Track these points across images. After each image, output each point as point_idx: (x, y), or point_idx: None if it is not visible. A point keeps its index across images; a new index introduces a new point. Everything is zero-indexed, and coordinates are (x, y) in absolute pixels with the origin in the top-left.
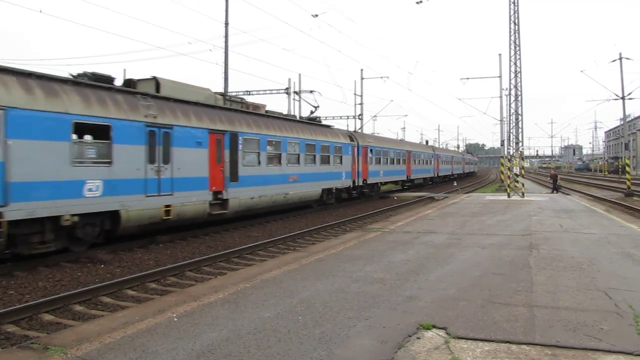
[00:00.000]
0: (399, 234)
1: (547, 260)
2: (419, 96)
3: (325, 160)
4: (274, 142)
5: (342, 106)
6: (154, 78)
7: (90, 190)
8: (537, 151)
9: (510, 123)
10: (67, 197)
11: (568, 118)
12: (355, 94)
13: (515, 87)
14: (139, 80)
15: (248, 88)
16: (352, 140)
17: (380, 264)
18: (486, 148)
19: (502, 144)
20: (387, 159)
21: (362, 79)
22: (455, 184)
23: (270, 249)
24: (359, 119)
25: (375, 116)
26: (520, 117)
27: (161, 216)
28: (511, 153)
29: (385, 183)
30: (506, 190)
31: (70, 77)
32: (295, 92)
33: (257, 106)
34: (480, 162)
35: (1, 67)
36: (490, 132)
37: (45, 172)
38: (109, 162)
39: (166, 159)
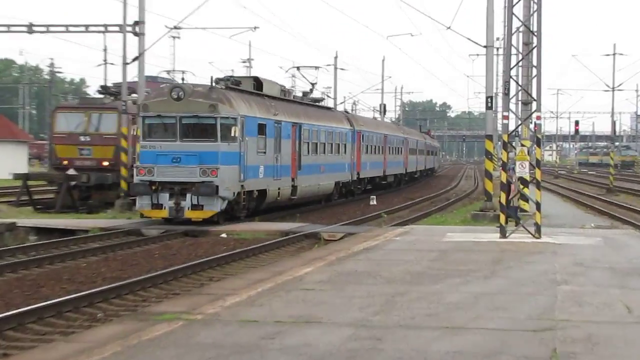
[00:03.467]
0: (230, 327)
1: None
2: None
3: (336, 149)
4: (314, 132)
5: None
6: (257, 78)
7: (260, 172)
8: (575, 125)
9: (509, 57)
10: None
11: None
12: None
13: None
14: (241, 78)
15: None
16: (350, 124)
17: None
18: (452, 114)
19: (489, 103)
20: (372, 147)
21: None
22: (373, 201)
23: None
24: None
25: None
26: (537, 42)
27: (276, 197)
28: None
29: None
30: (499, 218)
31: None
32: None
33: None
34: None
35: (235, 89)
36: (460, 79)
37: (253, 160)
38: (264, 152)
39: (277, 149)
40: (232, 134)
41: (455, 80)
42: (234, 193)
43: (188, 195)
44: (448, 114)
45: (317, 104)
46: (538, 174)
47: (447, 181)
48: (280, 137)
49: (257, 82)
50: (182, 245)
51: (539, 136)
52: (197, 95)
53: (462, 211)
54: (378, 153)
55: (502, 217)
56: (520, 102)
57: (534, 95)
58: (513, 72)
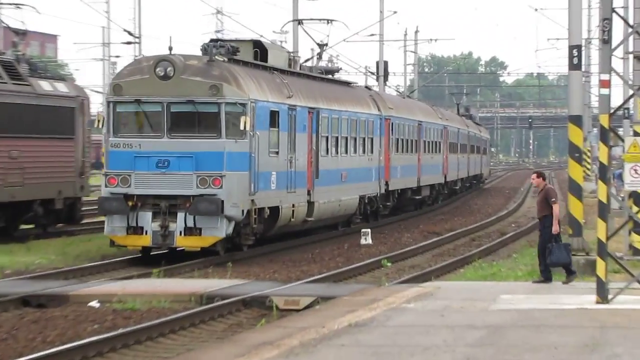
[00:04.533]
0: None
1: None
2: None
3: (361, 147)
4: (335, 120)
5: None
6: (259, 43)
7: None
8: None
9: None
10: None
11: None
12: None
13: None
14: (237, 42)
15: None
16: (377, 107)
17: None
18: (507, 78)
19: (576, 58)
20: (403, 142)
21: None
22: (366, 238)
23: None
24: None
25: None
26: None
27: (290, 218)
28: None
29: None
30: (596, 268)
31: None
32: (297, 22)
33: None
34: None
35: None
36: (521, 17)
37: (265, 164)
38: (277, 153)
39: (291, 148)
40: (242, 127)
41: (511, 21)
42: (243, 211)
43: (180, 215)
44: (501, 79)
45: (332, 77)
46: None
47: (502, 199)
48: (295, 129)
49: (261, 49)
50: (19, 322)
51: None
52: (192, 72)
53: (527, 256)
54: (411, 152)
55: (602, 266)
56: (632, 56)
57: None
58: (618, 3)
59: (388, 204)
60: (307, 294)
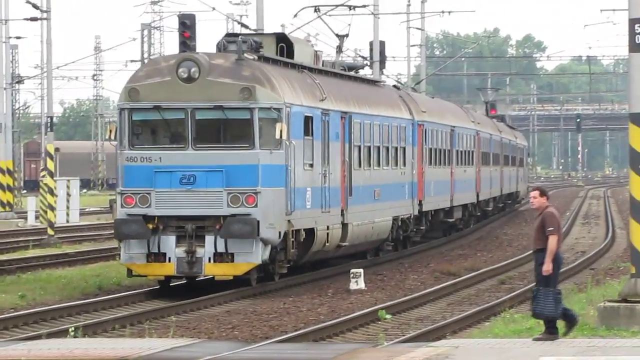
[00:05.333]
0: None
1: None
2: None
3: (394, 158)
4: (367, 126)
5: None
6: (283, 36)
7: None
8: None
9: None
10: None
11: None
12: None
13: None
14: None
15: None
16: (409, 110)
17: None
18: (546, 63)
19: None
20: (437, 152)
21: None
22: (357, 282)
23: None
24: None
25: None
26: None
27: (324, 242)
28: None
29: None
30: None
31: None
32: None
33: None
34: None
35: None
36: None
37: (301, 178)
38: (311, 165)
39: (325, 160)
40: (277, 136)
41: None
42: (279, 234)
43: (209, 239)
44: (539, 65)
45: (360, 75)
46: None
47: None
48: (328, 138)
49: (287, 44)
50: None
51: None
52: (219, 73)
53: (576, 304)
54: (444, 164)
55: None
56: None
57: None
58: None
59: (421, 227)
60: (278, 358)
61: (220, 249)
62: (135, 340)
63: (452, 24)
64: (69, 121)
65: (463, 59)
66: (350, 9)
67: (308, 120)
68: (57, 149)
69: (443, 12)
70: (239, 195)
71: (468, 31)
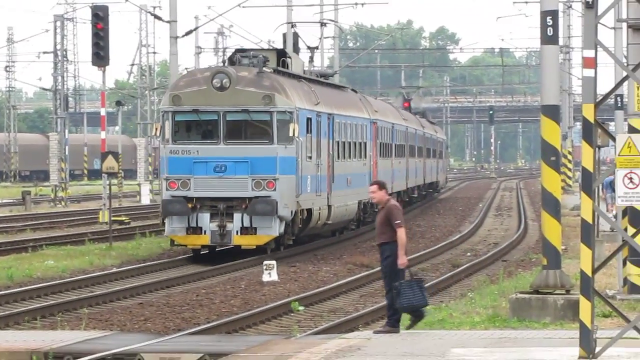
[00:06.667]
0: None
1: None
2: None
3: (359, 152)
4: (344, 126)
5: None
6: (282, 52)
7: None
8: None
9: None
10: None
11: None
12: None
13: None
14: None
15: None
16: (367, 111)
17: None
18: (460, 55)
19: (551, 28)
20: (385, 146)
21: None
22: (269, 274)
23: None
24: None
25: None
26: None
27: (317, 220)
28: None
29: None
30: (578, 310)
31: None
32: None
33: None
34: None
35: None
36: None
37: (305, 168)
38: (310, 157)
39: (318, 153)
40: (290, 134)
41: None
42: (291, 212)
43: (237, 216)
44: (452, 57)
45: (337, 83)
46: None
47: (453, 219)
48: (320, 135)
49: (285, 58)
50: None
51: None
52: (245, 83)
53: (488, 295)
54: (388, 156)
55: (586, 308)
56: (625, 26)
57: None
58: None
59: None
60: (191, 349)
61: (246, 224)
62: (47, 333)
63: (365, 16)
64: None
65: (376, 50)
66: (322, 26)
67: (309, 121)
68: None
69: (356, 4)
70: (261, 181)
71: (382, 23)
